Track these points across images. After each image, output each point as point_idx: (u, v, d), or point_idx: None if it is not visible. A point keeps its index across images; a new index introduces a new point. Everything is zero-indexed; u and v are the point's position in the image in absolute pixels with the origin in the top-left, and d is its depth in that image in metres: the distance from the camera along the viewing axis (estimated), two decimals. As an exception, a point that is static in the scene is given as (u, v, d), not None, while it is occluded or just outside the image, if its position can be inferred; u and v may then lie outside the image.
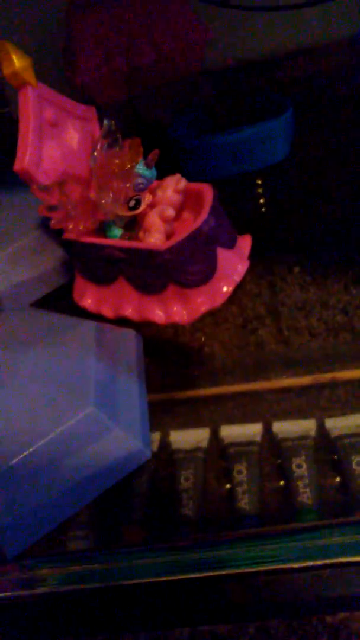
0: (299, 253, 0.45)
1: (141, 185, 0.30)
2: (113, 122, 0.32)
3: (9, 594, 0.28)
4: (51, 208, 0.29)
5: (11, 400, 0.27)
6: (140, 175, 0.30)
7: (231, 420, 0.42)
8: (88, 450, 0.26)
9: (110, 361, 0.29)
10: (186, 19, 0.42)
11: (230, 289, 0.33)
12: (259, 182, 0.46)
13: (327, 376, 0.42)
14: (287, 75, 0.46)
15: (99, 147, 0.31)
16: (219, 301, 0.33)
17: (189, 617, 0.31)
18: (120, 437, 0.27)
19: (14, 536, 0.25)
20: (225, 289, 0.33)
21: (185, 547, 0.30)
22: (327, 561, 0.28)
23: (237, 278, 0.33)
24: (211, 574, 0.28)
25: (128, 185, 0.30)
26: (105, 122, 0.32)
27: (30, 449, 0.25)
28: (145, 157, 0.30)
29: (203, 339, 0.40)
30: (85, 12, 0.41)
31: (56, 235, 0.38)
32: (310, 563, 0.28)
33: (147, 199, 0.31)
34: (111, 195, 0.30)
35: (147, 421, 0.29)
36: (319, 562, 0.28)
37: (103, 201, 0.30)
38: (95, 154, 0.31)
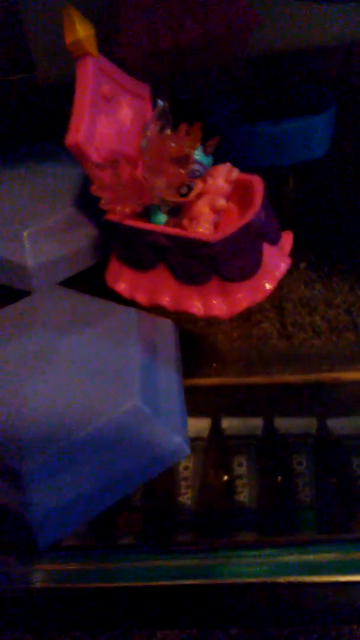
0: (306, 249, 0.45)
1: (197, 173, 0.29)
2: (167, 103, 0.31)
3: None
4: (104, 188, 0.28)
5: (52, 387, 0.26)
6: (197, 162, 0.29)
7: (232, 412, 0.42)
8: (128, 443, 0.26)
9: (151, 352, 0.29)
10: (236, 1, 0.40)
11: (272, 286, 0.32)
12: (291, 176, 0.45)
13: (329, 375, 0.42)
14: (333, 69, 0.45)
15: (151, 127, 0.30)
16: (261, 298, 0.32)
17: (182, 620, 0.31)
18: (161, 432, 0.26)
19: (48, 527, 0.25)
20: (267, 286, 0.32)
21: (180, 551, 0.29)
22: (322, 578, 0.28)
23: (279, 275, 0.32)
24: (204, 582, 0.27)
25: (183, 171, 0.29)
26: (160, 102, 0.31)
27: (72, 439, 0.24)
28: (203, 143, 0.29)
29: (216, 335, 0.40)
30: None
31: (89, 213, 0.37)
32: (307, 579, 0.27)
33: (198, 186, 0.30)
34: (164, 179, 0.29)
35: (185, 416, 0.28)
36: (313, 579, 0.27)
37: (155, 186, 0.29)
38: (147, 134, 0.30)
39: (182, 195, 0.29)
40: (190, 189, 0.29)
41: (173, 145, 0.28)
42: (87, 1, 0.43)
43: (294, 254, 0.44)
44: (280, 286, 0.44)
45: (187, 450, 0.27)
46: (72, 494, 0.25)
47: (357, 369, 0.42)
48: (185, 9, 0.39)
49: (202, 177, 0.31)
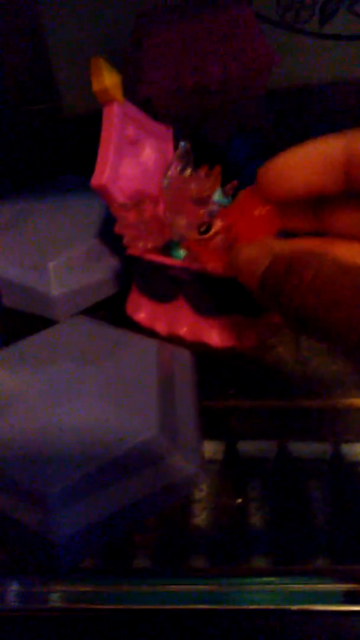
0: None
1: (215, 213, 0.30)
2: (188, 144, 0.32)
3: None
4: (128, 226, 0.29)
5: (76, 415, 0.27)
6: (215, 203, 0.30)
7: (246, 435, 0.43)
8: (147, 471, 0.27)
9: (170, 383, 0.30)
10: (255, 43, 0.42)
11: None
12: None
13: (344, 401, 0.43)
14: (352, 103, 0.46)
15: (173, 168, 0.32)
16: (274, 332, 0.33)
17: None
18: (178, 460, 0.27)
19: (70, 549, 0.26)
20: (280, 320, 0.33)
21: (193, 577, 0.30)
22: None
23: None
24: (217, 607, 0.28)
25: (203, 211, 0.30)
26: (182, 144, 0.32)
27: (94, 466, 0.26)
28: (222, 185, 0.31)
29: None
30: (157, 27, 0.41)
31: (111, 245, 0.38)
32: (318, 607, 0.28)
33: (217, 224, 0.31)
34: (185, 218, 0.30)
35: (202, 444, 0.29)
36: (324, 607, 0.28)
37: (176, 223, 0.30)
38: (169, 174, 0.32)
39: (201, 233, 0.31)
40: (209, 227, 0.31)
41: (194, 186, 0.30)
42: (114, 44, 0.46)
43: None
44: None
45: (203, 478, 0.28)
46: (93, 518, 0.26)
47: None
48: (207, 50, 0.41)
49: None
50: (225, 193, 0.30)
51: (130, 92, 0.43)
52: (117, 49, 0.46)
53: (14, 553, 0.28)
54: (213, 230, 0.31)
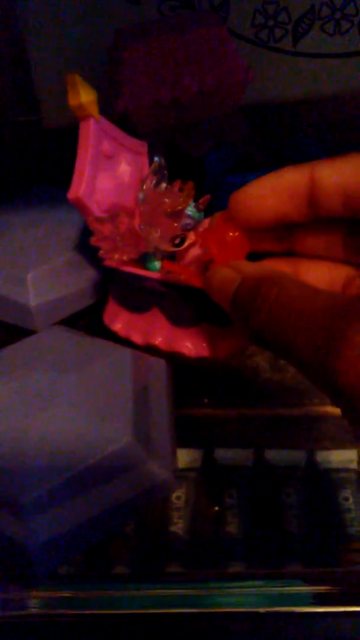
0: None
1: (189, 226, 0.31)
2: (163, 159, 0.33)
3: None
4: (103, 239, 0.30)
5: (51, 424, 0.28)
6: (189, 217, 0.31)
7: (224, 443, 0.44)
8: (121, 477, 0.28)
9: (144, 391, 0.31)
10: (231, 58, 0.43)
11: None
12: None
13: (319, 409, 0.44)
14: (323, 120, 0.47)
15: (148, 182, 0.33)
16: (248, 342, 0.34)
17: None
18: (152, 468, 0.28)
19: (46, 557, 0.26)
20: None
21: (171, 581, 0.31)
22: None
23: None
24: (194, 610, 0.29)
25: (176, 224, 0.31)
26: (156, 159, 0.33)
27: (69, 473, 0.26)
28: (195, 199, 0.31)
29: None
30: (136, 42, 0.42)
31: (88, 256, 0.39)
32: (291, 609, 0.29)
33: (190, 237, 0.32)
34: (159, 231, 0.31)
35: (175, 452, 0.30)
36: (297, 609, 0.29)
37: (151, 236, 0.31)
38: (144, 187, 0.32)
39: (175, 246, 0.32)
40: (183, 239, 0.32)
41: (167, 200, 0.31)
42: (93, 59, 0.46)
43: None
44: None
45: (175, 485, 0.29)
46: (68, 525, 0.27)
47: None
48: (182, 66, 0.42)
49: (195, 228, 0.33)
50: (197, 207, 0.31)
51: (109, 106, 0.44)
52: (97, 63, 0.47)
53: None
54: (187, 243, 0.32)
